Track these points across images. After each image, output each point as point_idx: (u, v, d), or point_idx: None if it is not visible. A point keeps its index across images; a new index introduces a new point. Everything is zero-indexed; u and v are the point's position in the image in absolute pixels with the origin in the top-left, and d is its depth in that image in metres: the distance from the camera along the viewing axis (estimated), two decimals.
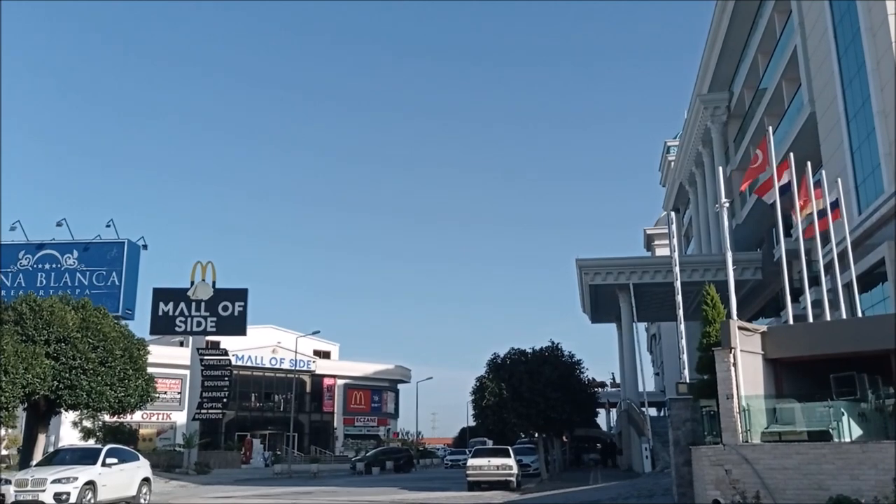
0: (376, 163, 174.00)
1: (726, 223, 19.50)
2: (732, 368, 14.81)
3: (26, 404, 24.66)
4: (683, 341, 21.88)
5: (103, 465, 18.91)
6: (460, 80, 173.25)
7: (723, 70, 37.63)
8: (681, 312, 22.39)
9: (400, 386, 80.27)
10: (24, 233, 38.28)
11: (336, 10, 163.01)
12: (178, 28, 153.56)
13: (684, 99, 59.67)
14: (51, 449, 27.89)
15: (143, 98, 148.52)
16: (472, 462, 27.60)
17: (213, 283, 42.52)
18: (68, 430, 44.17)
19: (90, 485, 18.01)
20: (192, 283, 42.39)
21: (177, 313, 41.92)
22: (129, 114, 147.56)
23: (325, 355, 74.94)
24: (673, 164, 54.04)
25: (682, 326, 22.34)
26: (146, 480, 20.83)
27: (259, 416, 66.60)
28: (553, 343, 31.83)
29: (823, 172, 23.84)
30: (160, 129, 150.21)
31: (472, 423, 50.00)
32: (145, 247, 39.24)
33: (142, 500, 20.33)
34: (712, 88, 38.99)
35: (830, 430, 13.63)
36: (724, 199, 19.47)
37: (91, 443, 36.54)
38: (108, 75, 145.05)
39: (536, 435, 32.90)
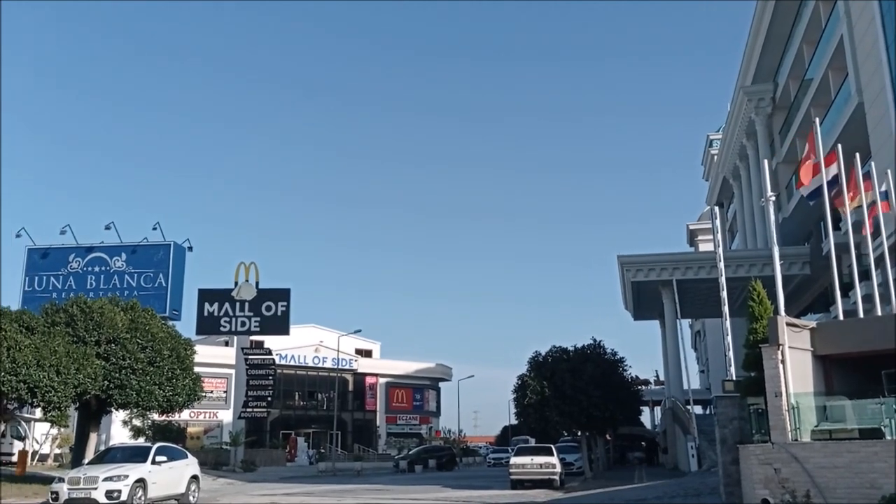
0: (416, 161, 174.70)
1: (773, 217, 19.10)
2: (781, 365, 14.54)
3: (78, 404, 25.31)
4: (729, 338, 21.49)
5: (153, 462, 19.22)
6: (500, 76, 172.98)
7: (767, 61, 36.86)
8: (726, 309, 22.00)
9: (441, 384, 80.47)
10: (73, 236, 39.32)
11: (381, 12, 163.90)
12: (215, 32, 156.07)
13: (727, 91, 58.74)
14: (102, 447, 28.57)
15: (184, 103, 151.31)
16: (514, 460, 27.54)
17: (257, 283, 43.14)
18: (119, 429, 45.22)
19: (140, 482, 18.33)
20: (236, 283, 43.06)
21: (221, 314, 42.63)
22: (171, 119, 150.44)
23: (367, 354, 75.49)
24: (716, 157, 53.14)
25: (728, 323, 21.95)
26: (195, 478, 21.15)
27: (303, 415, 67.34)
28: (595, 340, 31.65)
29: (872, 164, 23.20)
30: (201, 133, 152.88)
31: (514, 421, 49.97)
32: (190, 248, 40.02)
33: (191, 498, 20.65)
34: (756, 80, 38.23)
35: (882, 428, 13.33)
36: (770, 193, 19.08)
37: (141, 441, 37.37)
38: (148, 81, 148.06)
39: (579, 433, 32.69)
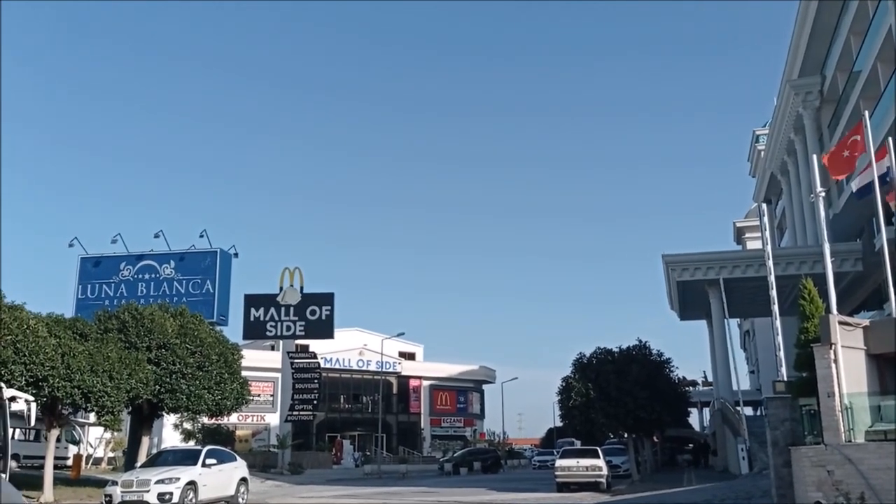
0: (457, 162, 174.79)
1: (823, 213, 18.67)
2: (833, 365, 14.21)
3: (130, 408, 25.90)
4: (780, 338, 21.04)
5: (203, 465, 19.55)
6: (543, 74, 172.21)
7: (813, 53, 36.05)
8: (776, 308, 21.56)
9: (485, 386, 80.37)
10: (124, 245, 40.30)
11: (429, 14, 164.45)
12: (248, 37, 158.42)
13: (772, 86, 57.57)
14: (154, 450, 29.16)
15: (224, 111, 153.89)
16: (560, 463, 27.40)
17: (301, 288, 43.63)
18: (170, 433, 46.15)
19: (191, 485, 18.66)
20: (281, 288, 43.60)
21: (267, 318, 43.21)
22: (213, 128, 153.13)
23: (410, 357, 75.77)
24: (763, 153, 52.11)
25: (778, 322, 21.50)
26: (244, 480, 21.47)
27: (348, 418, 67.87)
28: (640, 341, 31.36)
29: None
30: (244, 141, 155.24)
31: (558, 423, 49.62)
32: (236, 255, 40.71)
33: (240, 500, 20.96)
34: (803, 73, 37.40)
35: None
36: (819, 188, 18.67)
37: (191, 444, 38.06)
38: (189, 90, 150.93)
39: (625, 435, 32.37)
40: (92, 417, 30.42)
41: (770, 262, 21.67)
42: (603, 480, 26.42)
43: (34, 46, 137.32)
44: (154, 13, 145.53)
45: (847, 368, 14.36)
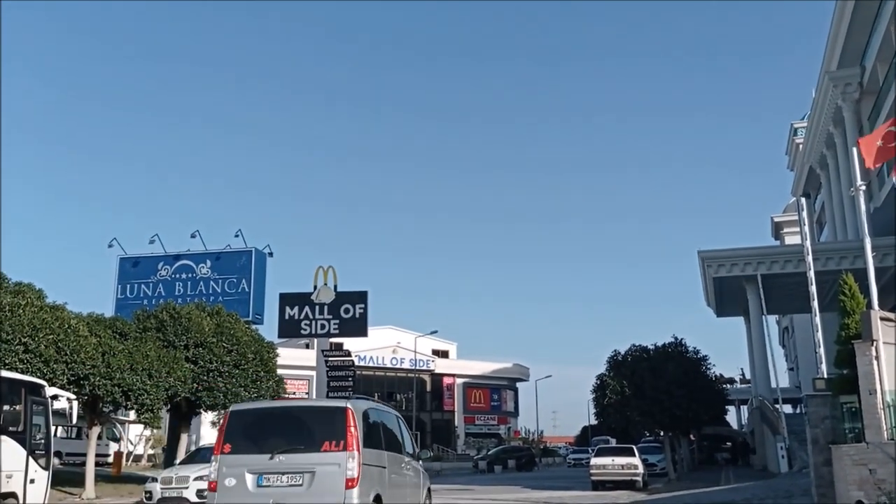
0: (488, 165, 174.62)
1: (863, 207, 18.32)
2: (875, 362, 13.94)
3: (169, 406, 26.33)
4: (819, 334, 20.67)
5: None
6: (579, 75, 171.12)
7: (852, 44, 35.29)
8: (815, 304, 21.19)
9: (519, 384, 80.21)
10: (162, 246, 40.89)
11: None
12: (286, 39, 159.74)
13: (810, 78, 56.51)
14: (193, 448, 29.59)
15: (261, 113, 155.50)
16: (595, 461, 27.30)
17: (335, 286, 43.85)
18: (208, 430, 46.82)
19: None
20: (315, 287, 43.87)
21: (302, 317, 43.51)
22: (250, 129, 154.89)
23: (444, 354, 75.90)
24: (801, 146, 51.19)
25: (818, 318, 21.13)
26: None
27: None
28: (676, 338, 31.05)
29: None
30: (278, 141, 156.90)
31: (593, 421, 49.40)
32: (271, 254, 41.04)
33: None
34: (842, 64, 36.64)
35: None
36: (859, 182, 18.29)
37: None
38: (226, 94, 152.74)
39: (662, 433, 32.08)
40: (132, 415, 30.97)
41: (809, 258, 21.33)
42: (639, 479, 26.25)
43: (61, 49, 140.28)
44: (188, 18, 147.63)
45: (889, 365, 14.08)
